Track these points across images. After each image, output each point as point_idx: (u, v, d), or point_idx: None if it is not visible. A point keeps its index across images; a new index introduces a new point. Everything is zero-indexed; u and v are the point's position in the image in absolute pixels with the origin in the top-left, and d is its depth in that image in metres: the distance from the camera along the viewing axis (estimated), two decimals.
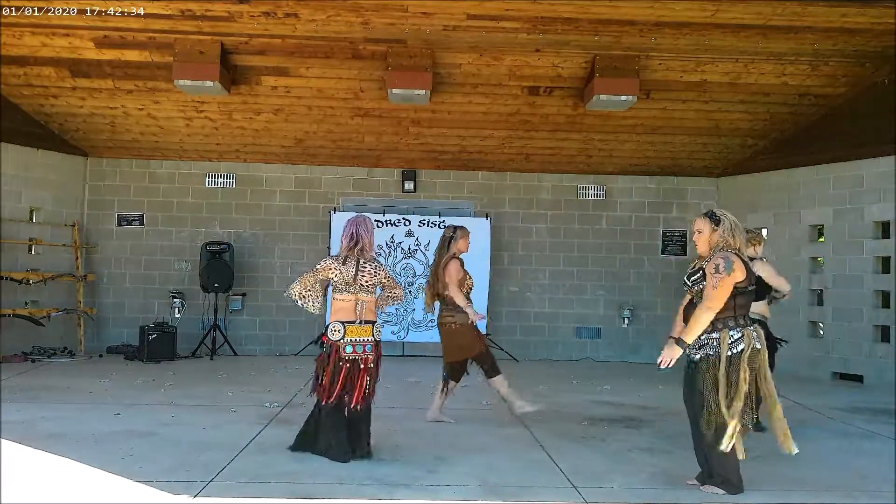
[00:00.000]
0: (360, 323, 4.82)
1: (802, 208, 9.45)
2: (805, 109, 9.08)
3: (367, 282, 4.85)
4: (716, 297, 4.05)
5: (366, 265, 4.86)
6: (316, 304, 4.92)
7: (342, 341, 4.77)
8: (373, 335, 4.87)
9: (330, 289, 4.97)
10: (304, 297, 4.88)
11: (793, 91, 8.70)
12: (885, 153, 8.53)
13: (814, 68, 8.27)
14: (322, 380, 4.77)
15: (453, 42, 7.86)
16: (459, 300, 5.75)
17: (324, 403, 4.74)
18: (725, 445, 4.05)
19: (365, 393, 4.79)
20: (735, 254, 4.15)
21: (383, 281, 4.98)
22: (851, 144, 8.85)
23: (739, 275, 4.09)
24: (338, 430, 4.73)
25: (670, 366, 4.15)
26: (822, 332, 9.33)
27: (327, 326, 4.86)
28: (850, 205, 8.94)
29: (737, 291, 4.10)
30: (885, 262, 8.64)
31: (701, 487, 4.27)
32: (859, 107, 8.70)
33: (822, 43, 7.74)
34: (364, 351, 4.81)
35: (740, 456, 4.10)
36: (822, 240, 9.44)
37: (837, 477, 4.66)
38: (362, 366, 4.80)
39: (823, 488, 4.41)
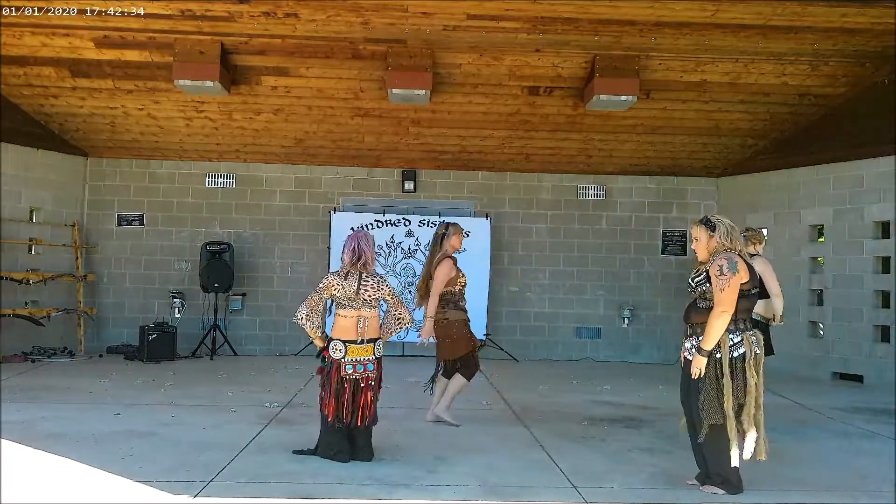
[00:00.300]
0: (362, 342, 4.77)
1: (802, 208, 9.45)
2: (805, 109, 9.08)
3: (370, 296, 4.80)
4: (725, 299, 4.03)
5: (368, 279, 4.81)
6: (318, 322, 4.80)
7: (343, 360, 4.75)
8: (374, 353, 4.82)
9: (332, 304, 4.92)
10: (310, 317, 4.76)
11: (793, 91, 8.70)
12: (885, 153, 8.53)
13: (814, 68, 8.27)
14: (325, 396, 4.75)
15: (453, 42, 7.86)
16: (430, 307, 5.69)
17: (330, 420, 4.71)
18: (736, 457, 4.08)
19: (368, 410, 4.77)
20: (738, 254, 4.15)
21: (387, 298, 4.91)
22: (851, 144, 8.85)
23: (743, 275, 4.09)
24: (338, 430, 4.73)
25: (702, 374, 4.12)
26: (822, 332, 9.33)
27: (329, 341, 4.82)
28: (850, 205, 8.94)
29: (740, 294, 4.10)
30: (885, 262, 8.64)
31: (701, 487, 4.27)
32: (859, 107, 8.70)
33: (822, 43, 7.74)
34: (365, 370, 4.78)
35: (734, 461, 4.10)
36: (822, 240, 9.44)
37: (837, 477, 4.66)
38: (363, 385, 4.77)
39: (823, 488, 4.41)
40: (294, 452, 4.84)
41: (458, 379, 5.86)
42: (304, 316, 4.76)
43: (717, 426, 4.10)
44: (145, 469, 4.40)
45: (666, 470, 4.69)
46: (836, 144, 9.03)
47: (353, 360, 4.75)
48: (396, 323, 4.98)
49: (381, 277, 4.93)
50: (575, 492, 4.21)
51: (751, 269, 4.18)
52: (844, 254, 8.98)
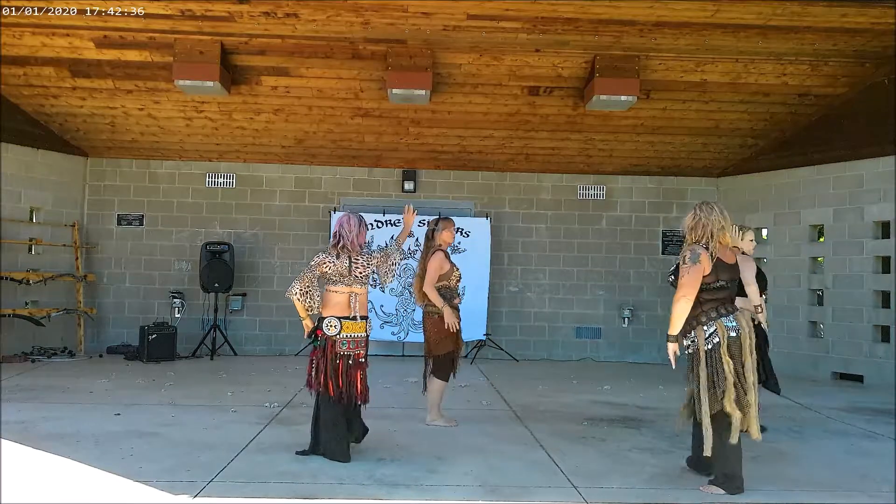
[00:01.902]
0: (356, 318, 4.84)
1: (802, 208, 9.45)
2: (805, 109, 9.08)
3: (360, 273, 4.89)
4: (684, 284, 4.16)
5: (358, 258, 4.90)
6: (317, 300, 4.87)
7: (338, 337, 4.78)
8: (366, 331, 4.90)
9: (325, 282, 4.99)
10: (305, 293, 4.82)
11: (793, 91, 8.70)
12: (885, 153, 8.53)
13: (814, 68, 8.27)
14: (319, 374, 4.76)
15: (453, 42, 7.86)
16: (435, 299, 5.67)
17: (321, 395, 4.75)
18: (734, 438, 4.11)
19: (363, 388, 4.83)
20: (704, 247, 4.21)
21: (376, 265, 5.01)
22: (851, 144, 8.85)
23: (706, 267, 4.17)
24: (337, 427, 4.73)
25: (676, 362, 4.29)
26: (822, 332, 9.33)
27: (321, 320, 4.84)
28: (850, 205, 8.94)
29: (703, 286, 4.18)
30: (885, 262, 8.64)
31: (701, 488, 4.27)
32: (859, 107, 8.70)
33: (822, 43, 7.74)
34: (357, 346, 4.85)
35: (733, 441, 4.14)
36: (822, 240, 9.44)
37: (837, 477, 4.66)
38: (352, 362, 4.81)
39: (823, 488, 4.40)
40: (297, 453, 4.83)
41: (433, 383, 5.81)
42: (298, 291, 4.82)
43: (717, 420, 4.12)
44: (145, 469, 4.40)
45: (666, 470, 4.69)
46: (836, 144, 9.03)
47: (348, 336, 4.80)
48: (391, 267, 5.08)
49: (370, 254, 5.04)
50: (575, 492, 4.21)
51: (717, 263, 4.21)
52: (844, 254, 8.98)
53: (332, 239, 4.99)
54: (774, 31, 7.51)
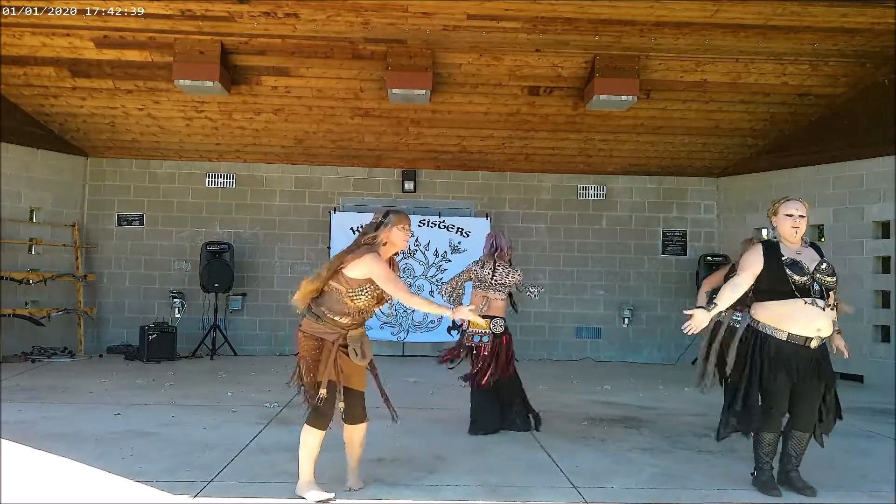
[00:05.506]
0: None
1: None
2: (805, 109, 9.08)
3: (496, 280, 5.71)
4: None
5: (498, 268, 5.71)
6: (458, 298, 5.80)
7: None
8: (489, 328, 5.68)
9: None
10: (451, 294, 5.79)
11: (793, 91, 8.70)
12: (885, 153, 8.53)
13: (814, 68, 8.27)
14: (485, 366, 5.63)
15: (453, 42, 7.86)
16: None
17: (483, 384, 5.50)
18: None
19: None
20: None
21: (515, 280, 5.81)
22: (851, 144, 8.85)
23: None
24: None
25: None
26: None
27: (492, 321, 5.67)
28: (850, 205, 8.94)
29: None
30: (885, 262, 8.64)
31: None
32: (859, 107, 8.69)
33: (822, 43, 7.74)
34: (481, 340, 5.75)
35: None
36: (822, 240, 9.43)
37: (837, 477, 4.66)
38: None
39: (823, 488, 4.40)
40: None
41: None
42: (447, 292, 5.91)
43: None
44: (145, 469, 4.40)
45: (666, 470, 4.69)
46: (836, 144, 9.02)
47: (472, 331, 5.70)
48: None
49: (513, 269, 5.84)
50: (575, 492, 4.21)
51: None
52: (844, 254, 8.97)
53: (488, 248, 5.85)
54: (774, 31, 7.51)
